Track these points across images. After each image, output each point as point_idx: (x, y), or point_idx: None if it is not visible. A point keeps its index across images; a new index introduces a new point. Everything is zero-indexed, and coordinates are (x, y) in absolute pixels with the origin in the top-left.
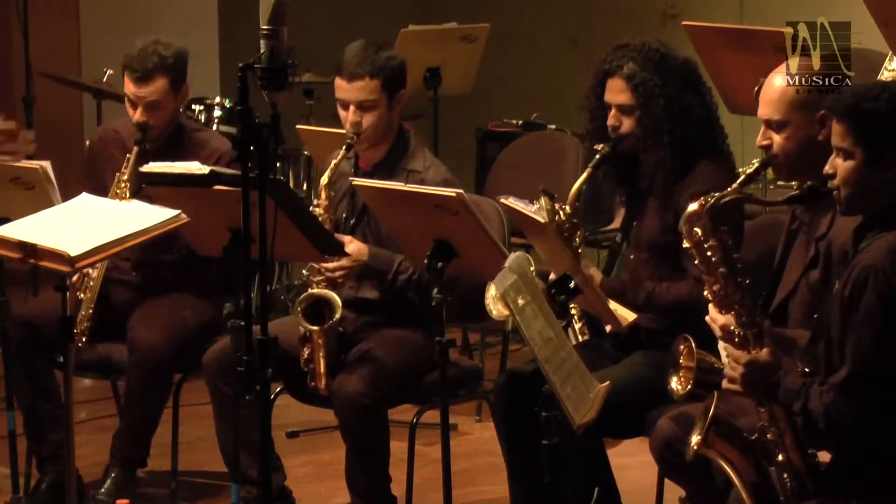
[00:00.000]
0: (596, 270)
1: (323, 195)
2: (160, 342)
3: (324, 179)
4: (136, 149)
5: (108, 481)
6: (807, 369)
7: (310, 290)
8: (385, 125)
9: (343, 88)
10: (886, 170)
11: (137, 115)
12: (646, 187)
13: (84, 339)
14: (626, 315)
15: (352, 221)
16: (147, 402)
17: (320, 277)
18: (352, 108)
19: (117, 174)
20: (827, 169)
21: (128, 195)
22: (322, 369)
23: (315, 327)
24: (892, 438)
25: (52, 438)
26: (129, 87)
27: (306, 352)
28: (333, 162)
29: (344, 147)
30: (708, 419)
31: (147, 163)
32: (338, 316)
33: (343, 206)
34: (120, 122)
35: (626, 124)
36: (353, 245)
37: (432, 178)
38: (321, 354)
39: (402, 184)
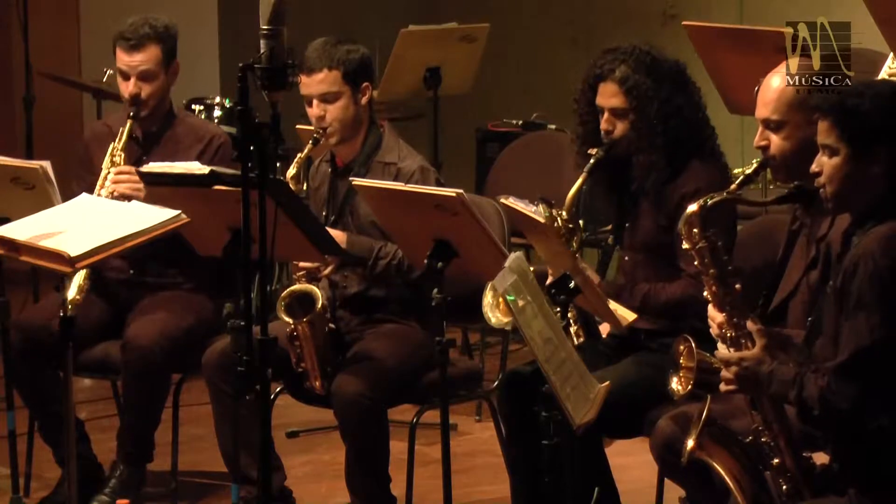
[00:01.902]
0: (593, 273)
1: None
2: (152, 340)
3: (289, 172)
4: (129, 121)
5: (114, 480)
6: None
7: (290, 287)
8: (351, 118)
9: (304, 83)
10: (871, 165)
11: (130, 87)
12: (638, 189)
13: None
14: (626, 315)
15: (332, 218)
16: (144, 399)
17: (301, 272)
18: (315, 101)
19: (112, 144)
20: (813, 167)
21: (122, 162)
22: (314, 366)
23: (297, 320)
24: (887, 422)
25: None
26: (122, 58)
27: (297, 349)
28: (300, 156)
29: (311, 141)
30: (700, 422)
31: (140, 140)
32: (319, 305)
33: (322, 205)
34: (112, 117)
35: (620, 128)
36: (331, 233)
37: (409, 168)
38: (311, 350)
39: (403, 184)
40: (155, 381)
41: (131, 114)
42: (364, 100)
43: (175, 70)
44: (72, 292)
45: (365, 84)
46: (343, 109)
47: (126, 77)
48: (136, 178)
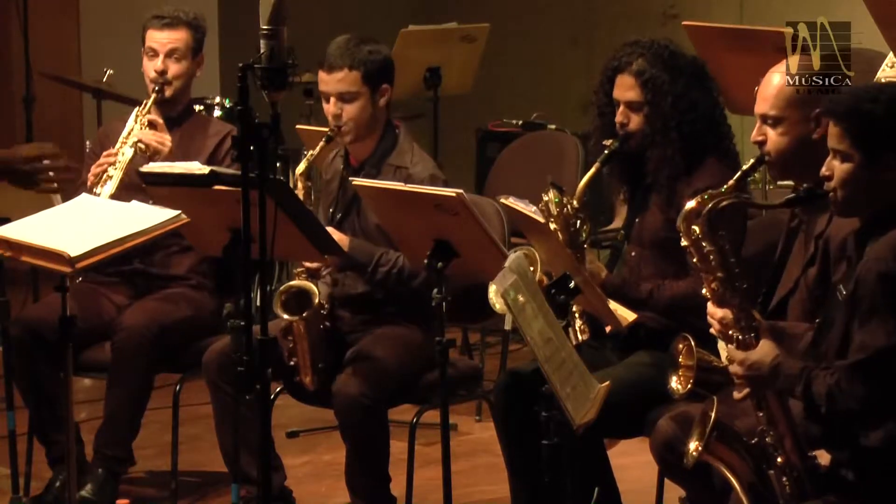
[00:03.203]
0: (601, 266)
1: (300, 185)
2: (143, 325)
3: (299, 169)
4: (154, 95)
5: (90, 483)
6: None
7: (288, 283)
8: (367, 118)
9: (323, 80)
10: (883, 171)
11: (158, 65)
12: (650, 183)
13: None
14: (626, 315)
15: (339, 216)
16: (127, 389)
17: (301, 269)
18: (332, 99)
19: (136, 109)
20: (824, 171)
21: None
22: (307, 363)
23: (294, 317)
24: (894, 427)
25: (61, 439)
26: (153, 36)
27: (290, 345)
28: (311, 153)
29: (324, 139)
30: (710, 425)
31: (162, 115)
32: (315, 303)
33: (332, 201)
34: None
35: (635, 121)
36: (334, 235)
37: (419, 174)
38: (304, 346)
39: (402, 184)
40: (140, 371)
41: (156, 89)
42: (383, 101)
43: (200, 62)
44: None
45: (385, 86)
46: (360, 110)
47: (154, 55)
48: (165, 133)
